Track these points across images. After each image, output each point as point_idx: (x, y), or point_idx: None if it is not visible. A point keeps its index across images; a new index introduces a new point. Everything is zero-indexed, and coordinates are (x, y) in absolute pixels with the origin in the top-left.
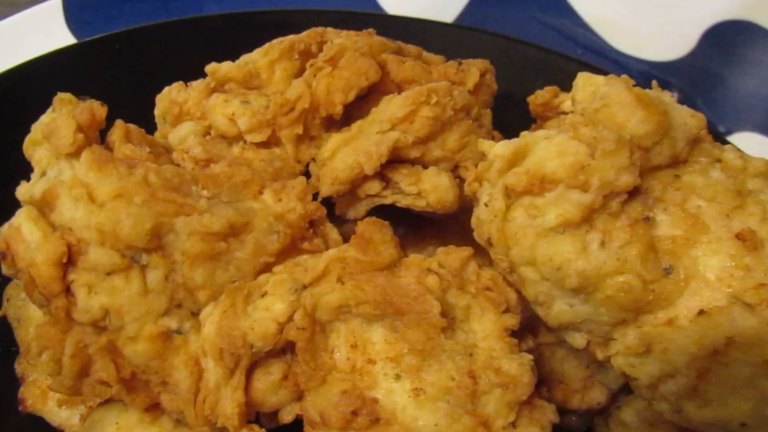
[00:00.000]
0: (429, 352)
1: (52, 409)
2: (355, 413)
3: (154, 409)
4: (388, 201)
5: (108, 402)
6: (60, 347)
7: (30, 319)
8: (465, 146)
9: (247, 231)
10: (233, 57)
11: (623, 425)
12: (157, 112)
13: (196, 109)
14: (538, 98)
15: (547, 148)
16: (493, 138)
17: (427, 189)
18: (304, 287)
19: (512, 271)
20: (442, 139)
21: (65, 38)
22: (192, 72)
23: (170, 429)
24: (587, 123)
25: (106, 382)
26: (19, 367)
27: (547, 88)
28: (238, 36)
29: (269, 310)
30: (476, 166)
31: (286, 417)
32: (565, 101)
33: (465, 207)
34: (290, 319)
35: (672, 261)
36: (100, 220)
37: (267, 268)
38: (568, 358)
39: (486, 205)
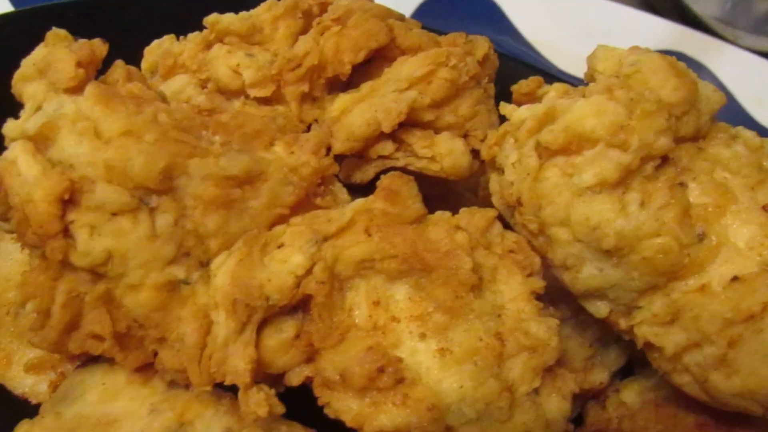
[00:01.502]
0: (457, 311)
1: (17, 375)
2: (381, 370)
3: (144, 370)
4: (400, 164)
5: (88, 364)
6: (49, 296)
7: None
8: (475, 115)
9: (263, 180)
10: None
11: (624, 406)
12: (144, 65)
13: (191, 62)
14: (522, 87)
15: (583, 108)
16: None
17: (442, 153)
18: (325, 239)
19: (540, 233)
20: (455, 105)
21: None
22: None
23: (163, 390)
24: (621, 86)
25: (99, 335)
26: None
27: (531, 78)
28: (188, 15)
29: (287, 262)
30: (485, 136)
31: (295, 379)
32: (549, 92)
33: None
34: (308, 272)
35: (704, 227)
36: (108, 156)
37: (281, 220)
38: (572, 335)
39: (514, 165)
